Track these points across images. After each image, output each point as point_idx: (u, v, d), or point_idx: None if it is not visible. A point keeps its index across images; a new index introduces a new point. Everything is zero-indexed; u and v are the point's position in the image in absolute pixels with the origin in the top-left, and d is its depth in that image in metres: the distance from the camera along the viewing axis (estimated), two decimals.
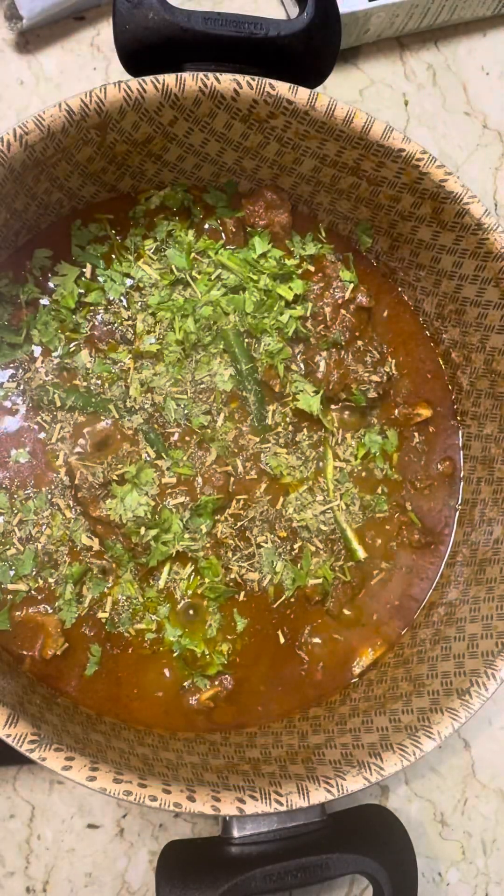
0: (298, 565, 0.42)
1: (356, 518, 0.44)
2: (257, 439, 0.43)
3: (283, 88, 0.37)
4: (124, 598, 0.41)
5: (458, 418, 0.46)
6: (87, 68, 0.50)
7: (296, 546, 0.43)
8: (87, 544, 0.41)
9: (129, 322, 0.42)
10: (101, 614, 0.40)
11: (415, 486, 0.45)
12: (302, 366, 0.44)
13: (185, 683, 0.41)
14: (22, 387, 0.41)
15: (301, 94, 0.37)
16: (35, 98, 0.49)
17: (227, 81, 0.36)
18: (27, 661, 0.39)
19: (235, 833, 0.35)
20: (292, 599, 0.42)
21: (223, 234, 0.44)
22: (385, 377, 0.44)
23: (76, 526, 0.41)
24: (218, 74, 0.36)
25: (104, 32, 0.50)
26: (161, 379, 0.42)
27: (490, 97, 0.54)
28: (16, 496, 0.41)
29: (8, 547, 0.40)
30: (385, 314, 0.46)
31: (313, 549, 0.43)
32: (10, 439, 0.41)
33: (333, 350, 0.43)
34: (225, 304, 0.42)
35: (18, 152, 0.35)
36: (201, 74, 0.36)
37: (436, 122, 0.53)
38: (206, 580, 0.41)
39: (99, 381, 0.42)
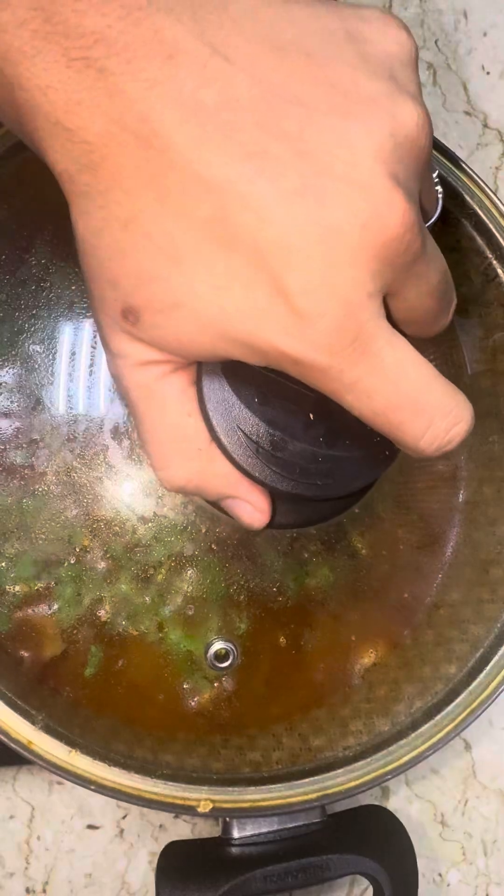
0: (299, 565, 0.42)
1: (357, 517, 0.43)
2: None
3: None
4: (124, 598, 0.41)
5: None
6: None
7: (296, 546, 0.42)
8: (86, 544, 0.40)
9: None
10: (100, 615, 0.40)
11: (416, 486, 0.45)
12: None
13: (185, 685, 0.41)
14: (20, 385, 0.41)
15: None
16: None
17: None
18: (26, 662, 0.39)
19: (235, 833, 0.35)
20: (292, 599, 0.42)
21: None
22: None
23: (76, 526, 0.40)
24: None
25: None
26: None
27: (490, 97, 0.54)
28: (14, 496, 0.41)
29: (7, 547, 0.40)
30: None
31: (314, 548, 0.43)
32: (8, 439, 0.41)
33: None
34: None
35: None
36: None
37: (436, 120, 0.53)
38: (207, 580, 0.41)
39: None
